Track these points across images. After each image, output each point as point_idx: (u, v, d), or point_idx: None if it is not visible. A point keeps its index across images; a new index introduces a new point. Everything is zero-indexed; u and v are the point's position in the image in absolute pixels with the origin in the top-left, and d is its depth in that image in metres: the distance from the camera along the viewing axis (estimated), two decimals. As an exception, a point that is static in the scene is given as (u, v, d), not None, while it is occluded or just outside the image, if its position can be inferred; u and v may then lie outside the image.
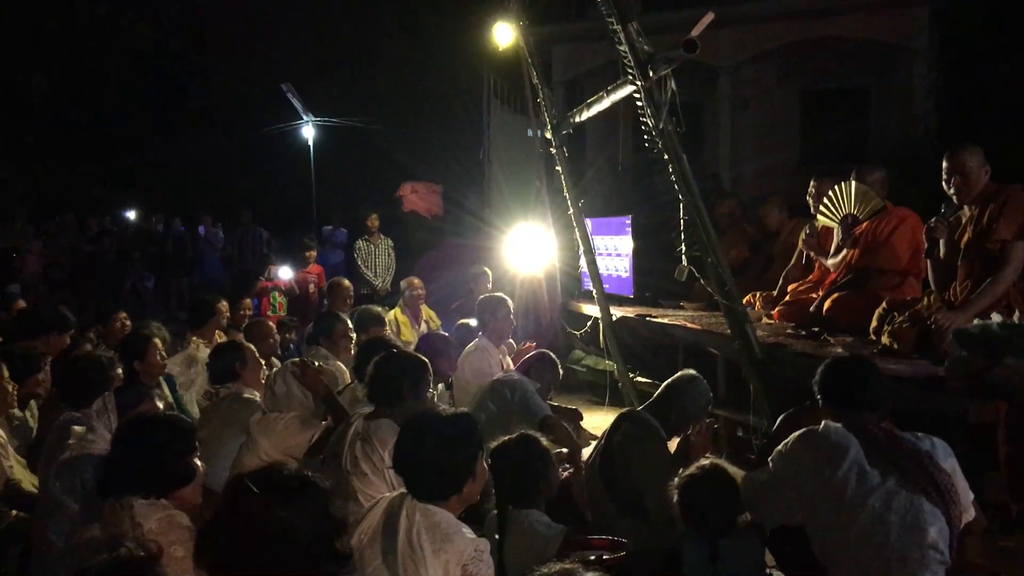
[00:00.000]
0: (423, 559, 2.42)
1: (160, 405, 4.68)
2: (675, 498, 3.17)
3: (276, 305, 9.31)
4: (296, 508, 1.90)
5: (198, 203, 19.30)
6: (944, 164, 4.65)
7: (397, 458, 2.71)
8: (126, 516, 2.68)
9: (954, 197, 4.66)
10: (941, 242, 4.75)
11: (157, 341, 5.12)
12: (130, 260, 15.68)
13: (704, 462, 3.25)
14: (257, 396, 4.68)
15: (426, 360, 3.93)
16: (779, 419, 3.65)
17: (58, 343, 5.62)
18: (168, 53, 23.81)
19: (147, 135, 23.56)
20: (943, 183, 4.67)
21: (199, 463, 2.91)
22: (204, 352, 5.74)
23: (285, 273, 9.87)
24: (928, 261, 4.83)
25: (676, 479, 3.20)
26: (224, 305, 6.70)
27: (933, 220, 4.75)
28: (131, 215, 20.32)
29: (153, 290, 15.73)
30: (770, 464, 2.91)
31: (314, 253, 10.37)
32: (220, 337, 6.46)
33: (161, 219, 18.35)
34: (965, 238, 4.65)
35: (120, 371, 4.40)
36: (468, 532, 2.52)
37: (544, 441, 3.41)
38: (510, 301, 6.04)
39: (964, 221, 4.70)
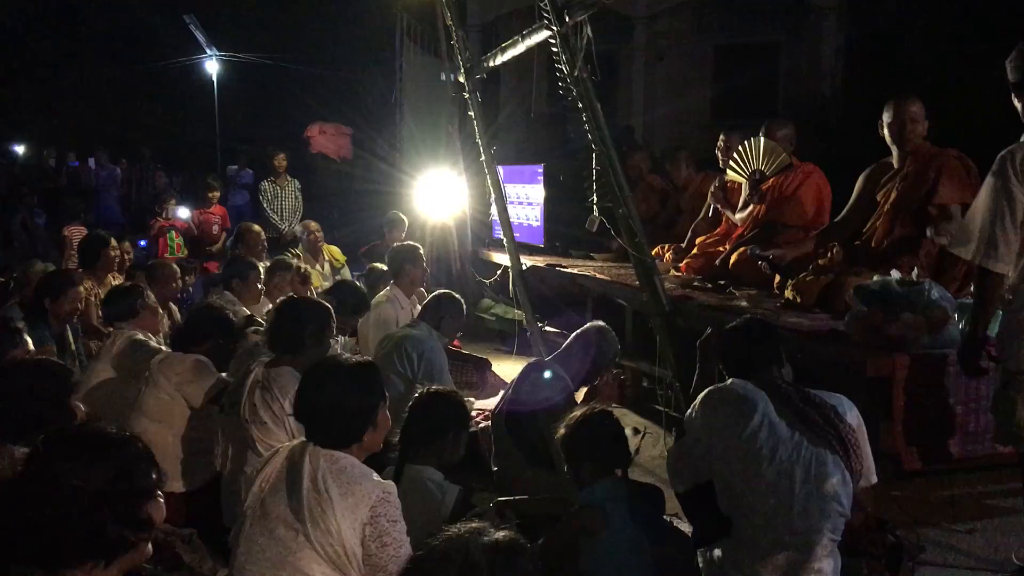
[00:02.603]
0: (330, 502, 2.37)
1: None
2: (560, 440, 3.13)
3: (174, 246, 8.95)
4: (85, 467, 1.76)
5: (94, 138, 18.44)
6: (889, 112, 4.68)
7: (298, 404, 2.66)
8: (6, 464, 2.55)
9: (894, 146, 4.72)
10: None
11: (81, 289, 4.91)
12: (20, 196, 14.92)
13: (593, 407, 3.23)
14: (152, 340, 4.51)
15: (329, 307, 3.83)
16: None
17: None
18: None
19: (38, 64, 22.31)
20: (885, 131, 4.70)
21: (80, 406, 2.79)
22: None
23: (183, 212, 9.51)
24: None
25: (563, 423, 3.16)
26: (115, 245, 6.39)
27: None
28: (20, 149, 19.28)
29: (45, 228, 15.02)
30: (684, 428, 2.90)
31: (217, 194, 10.00)
32: (115, 279, 6.21)
33: (53, 154, 17.50)
34: (893, 195, 4.73)
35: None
36: (375, 476, 2.48)
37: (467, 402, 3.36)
38: (422, 249, 5.93)
39: (892, 175, 4.78)
